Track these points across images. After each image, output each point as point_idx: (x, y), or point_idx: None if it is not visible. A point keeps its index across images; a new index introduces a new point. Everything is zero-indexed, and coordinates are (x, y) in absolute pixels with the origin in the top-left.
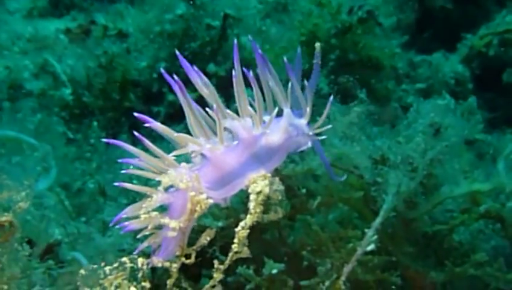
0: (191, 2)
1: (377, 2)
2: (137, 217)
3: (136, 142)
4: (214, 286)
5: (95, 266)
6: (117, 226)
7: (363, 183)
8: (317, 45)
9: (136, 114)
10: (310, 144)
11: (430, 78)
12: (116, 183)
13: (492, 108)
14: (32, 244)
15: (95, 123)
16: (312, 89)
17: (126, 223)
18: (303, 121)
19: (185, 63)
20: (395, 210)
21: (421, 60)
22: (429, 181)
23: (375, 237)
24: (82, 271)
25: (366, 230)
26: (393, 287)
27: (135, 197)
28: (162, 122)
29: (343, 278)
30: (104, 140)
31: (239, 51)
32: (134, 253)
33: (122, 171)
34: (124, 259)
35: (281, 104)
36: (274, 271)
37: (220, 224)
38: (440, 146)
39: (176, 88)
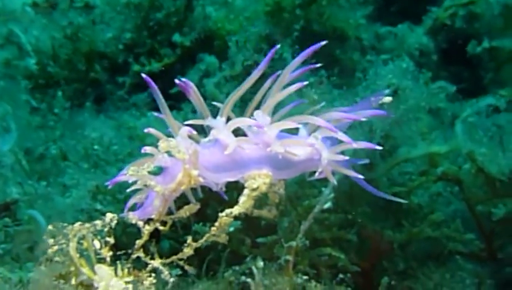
0: None
1: None
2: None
3: (99, 112)
4: (181, 259)
5: (65, 224)
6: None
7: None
8: (389, 98)
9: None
10: (323, 173)
11: (395, 49)
12: (145, 130)
13: (457, 80)
14: None
15: (60, 93)
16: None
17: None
18: (325, 153)
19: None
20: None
21: (386, 31)
22: (387, 142)
23: (332, 195)
24: (50, 227)
25: (323, 189)
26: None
27: (97, 162)
28: (127, 93)
29: (300, 235)
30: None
31: (205, 21)
32: (125, 211)
33: (145, 130)
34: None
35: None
36: (231, 229)
37: None
38: (398, 108)
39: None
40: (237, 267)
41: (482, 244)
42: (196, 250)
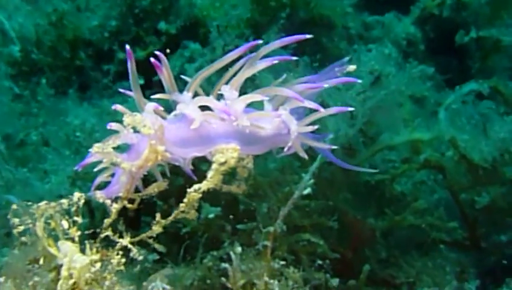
0: None
1: None
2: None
3: (82, 99)
4: (150, 237)
5: (30, 203)
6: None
7: None
8: (352, 67)
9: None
10: (292, 147)
11: (382, 38)
12: (113, 107)
13: (445, 70)
14: None
15: (44, 80)
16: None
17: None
18: (293, 125)
19: None
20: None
21: (373, 20)
22: (369, 129)
23: (312, 181)
24: (14, 206)
25: (303, 175)
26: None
27: (78, 149)
28: (112, 81)
29: (278, 221)
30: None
31: (191, 8)
32: (91, 190)
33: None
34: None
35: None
36: (211, 215)
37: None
38: (380, 94)
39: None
40: (215, 253)
41: (466, 232)
42: (175, 236)
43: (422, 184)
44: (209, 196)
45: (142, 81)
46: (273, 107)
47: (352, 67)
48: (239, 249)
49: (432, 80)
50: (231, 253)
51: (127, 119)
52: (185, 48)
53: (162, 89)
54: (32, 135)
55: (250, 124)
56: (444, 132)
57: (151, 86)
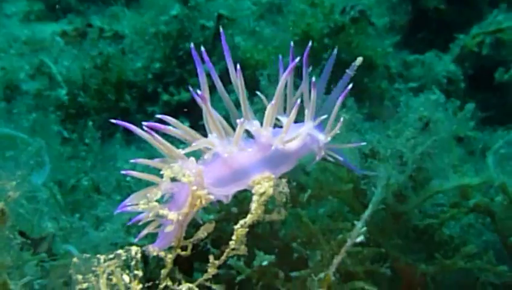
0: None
1: (369, 2)
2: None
3: (129, 143)
4: (207, 280)
5: (88, 256)
6: (118, 211)
7: (352, 176)
8: (360, 58)
9: (145, 124)
10: (321, 156)
11: (422, 77)
12: (123, 171)
13: (485, 107)
14: (25, 236)
15: (90, 123)
16: (336, 103)
17: (130, 206)
18: (321, 136)
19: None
20: (384, 203)
21: (413, 59)
22: (419, 175)
23: (365, 228)
24: (75, 259)
25: (355, 222)
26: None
27: (129, 194)
28: (157, 123)
29: (333, 269)
30: (113, 121)
31: (234, 51)
32: (135, 240)
33: (131, 161)
34: (119, 251)
35: (307, 114)
36: (265, 263)
37: (212, 217)
38: (429, 140)
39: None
40: None
41: None
42: (230, 284)
43: (470, 227)
44: (262, 244)
45: (187, 124)
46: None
47: (359, 60)
48: None
49: (474, 119)
50: None
51: (166, 172)
52: (231, 92)
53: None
54: (83, 180)
55: (283, 142)
56: (493, 177)
57: (196, 129)
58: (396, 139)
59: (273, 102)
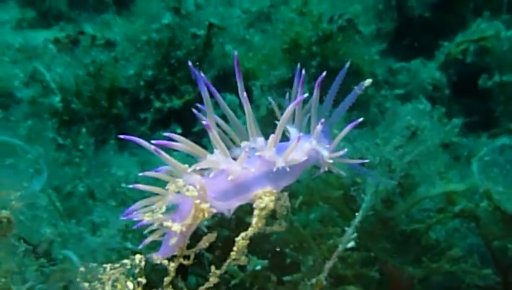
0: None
1: (356, 11)
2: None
3: (123, 148)
4: (208, 288)
5: (95, 264)
6: (124, 217)
7: (342, 183)
8: (369, 80)
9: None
10: (324, 169)
11: (408, 84)
12: (130, 185)
13: (469, 113)
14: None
15: (84, 129)
16: (339, 118)
17: (135, 215)
18: (325, 152)
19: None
20: (373, 209)
21: (399, 66)
22: (406, 181)
23: (355, 234)
24: (82, 269)
25: (346, 228)
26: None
27: (124, 200)
28: (149, 129)
29: (324, 273)
30: (122, 136)
31: (224, 59)
32: (140, 247)
33: (140, 174)
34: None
35: (313, 127)
36: (258, 267)
37: (206, 223)
38: (417, 148)
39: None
40: None
41: (498, 278)
42: (224, 287)
43: (456, 231)
44: (255, 249)
45: (179, 130)
46: (297, 128)
47: (368, 82)
48: None
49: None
50: None
51: (171, 187)
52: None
53: (199, 138)
54: (79, 187)
55: (286, 161)
56: (478, 184)
57: (188, 135)
58: (384, 147)
59: (276, 132)
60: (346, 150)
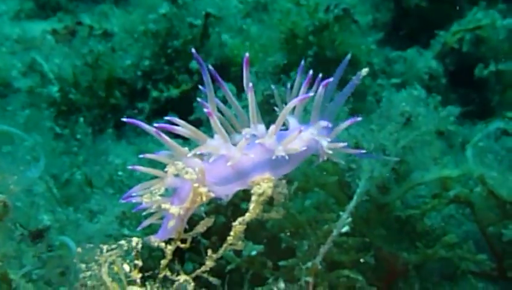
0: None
1: (353, 0)
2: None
3: (120, 137)
4: (204, 272)
5: (92, 245)
6: (124, 201)
7: (337, 169)
8: (365, 69)
9: (156, 125)
10: (324, 158)
11: (405, 73)
12: (129, 167)
13: (465, 102)
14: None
15: (82, 119)
16: (338, 108)
17: (134, 197)
18: (324, 142)
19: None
20: (368, 195)
21: (396, 56)
22: (401, 168)
23: (350, 219)
24: (79, 249)
25: (341, 213)
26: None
27: (121, 188)
28: (147, 118)
29: (319, 258)
30: (124, 119)
31: (221, 49)
32: (138, 229)
33: (140, 156)
34: (122, 241)
35: (313, 118)
36: (253, 253)
37: (202, 209)
38: (411, 134)
39: (206, 83)
40: (260, 289)
41: (493, 263)
42: (219, 272)
43: (451, 217)
44: (251, 235)
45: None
46: (296, 118)
47: (365, 71)
48: (282, 285)
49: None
50: (275, 289)
51: (170, 169)
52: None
53: (196, 127)
54: (77, 175)
55: (286, 150)
56: (472, 169)
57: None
58: (379, 133)
59: (277, 121)
60: (346, 143)
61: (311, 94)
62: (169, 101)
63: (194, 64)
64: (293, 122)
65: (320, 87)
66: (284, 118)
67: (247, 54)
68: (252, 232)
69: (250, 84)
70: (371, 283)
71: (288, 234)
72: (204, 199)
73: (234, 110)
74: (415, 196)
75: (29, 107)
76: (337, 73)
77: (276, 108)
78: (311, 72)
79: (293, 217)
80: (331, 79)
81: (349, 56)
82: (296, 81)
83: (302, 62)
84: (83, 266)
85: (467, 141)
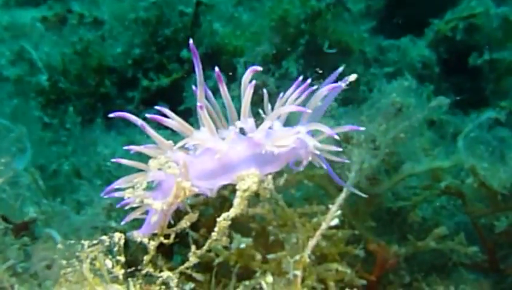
0: None
1: None
2: (127, 189)
3: (110, 128)
4: (188, 268)
5: (72, 242)
6: (106, 196)
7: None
8: (354, 75)
9: (148, 116)
10: (307, 161)
11: (398, 62)
12: (113, 160)
13: (458, 91)
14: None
15: (71, 108)
16: (323, 112)
17: (116, 192)
18: (311, 143)
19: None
20: (358, 186)
21: (389, 44)
22: (391, 159)
23: (339, 212)
24: (59, 245)
25: (330, 206)
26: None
27: (109, 179)
28: (136, 108)
29: (308, 251)
30: (111, 115)
31: (212, 37)
32: (122, 223)
33: (125, 147)
34: (103, 237)
35: (302, 119)
36: (242, 245)
37: (189, 201)
38: (401, 125)
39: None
40: (247, 282)
41: (485, 255)
42: (207, 266)
43: (442, 209)
44: (239, 227)
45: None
46: (281, 123)
47: (353, 76)
48: (270, 278)
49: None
50: (263, 282)
51: (152, 163)
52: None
53: (185, 118)
54: (64, 165)
55: (275, 145)
56: (463, 160)
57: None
58: (369, 124)
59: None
60: (334, 147)
61: (309, 111)
62: (160, 90)
63: (184, 53)
64: (277, 124)
65: (313, 99)
66: (277, 115)
67: (257, 67)
68: (240, 224)
69: (253, 82)
70: (360, 276)
71: (277, 226)
72: (187, 193)
73: (225, 104)
74: (405, 188)
75: (17, 97)
76: (326, 82)
77: (261, 111)
78: (309, 81)
79: (281, 209)
80: (322, 89)
81: (341, 69)
82: (289, 91)
83: (300, 77)
84: (64, 262)
85: (458, 131)
